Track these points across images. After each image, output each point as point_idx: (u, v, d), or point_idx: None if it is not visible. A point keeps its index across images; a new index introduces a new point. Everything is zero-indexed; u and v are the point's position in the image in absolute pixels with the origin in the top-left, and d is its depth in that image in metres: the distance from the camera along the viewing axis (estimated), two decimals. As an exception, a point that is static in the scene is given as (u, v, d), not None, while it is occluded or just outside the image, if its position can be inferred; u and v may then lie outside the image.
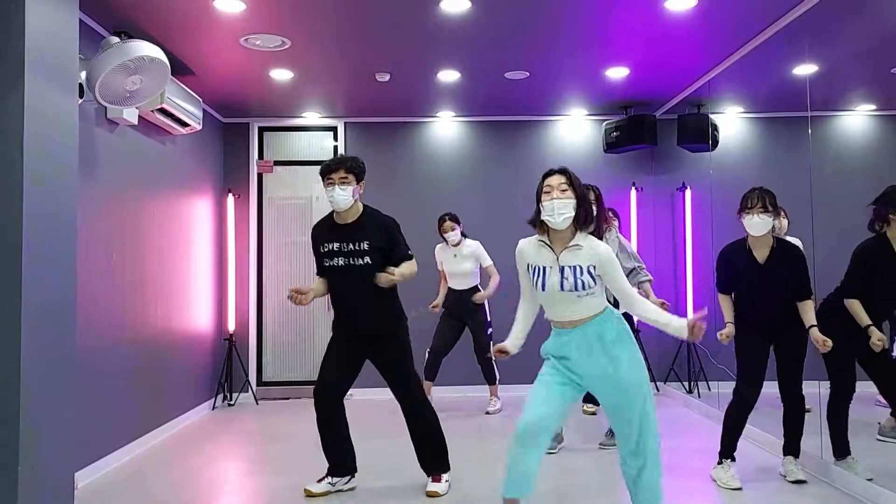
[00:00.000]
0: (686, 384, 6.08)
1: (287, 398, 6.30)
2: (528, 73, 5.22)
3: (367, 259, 3.46)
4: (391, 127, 6.56)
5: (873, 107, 4.82)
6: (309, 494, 3.53)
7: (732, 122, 5.94)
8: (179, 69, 4.85)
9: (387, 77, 5.21)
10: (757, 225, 3.54)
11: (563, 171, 2.73)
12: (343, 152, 6.52)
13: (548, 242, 2.73)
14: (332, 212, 3.59)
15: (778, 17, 4.14)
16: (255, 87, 5.48)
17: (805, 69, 4.33)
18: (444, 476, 3.60)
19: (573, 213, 2.66)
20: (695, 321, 2.69)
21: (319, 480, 3.60)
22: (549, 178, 2.71)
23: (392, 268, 3.43)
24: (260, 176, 6.53)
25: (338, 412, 3.58)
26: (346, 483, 3.64)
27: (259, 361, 6.39)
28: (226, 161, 6.42)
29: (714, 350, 5.71)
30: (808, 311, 3.56)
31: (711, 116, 5.62)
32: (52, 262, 2.87)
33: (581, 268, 2.65)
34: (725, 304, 3.76)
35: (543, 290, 2.70)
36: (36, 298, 2.74)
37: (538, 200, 2.72)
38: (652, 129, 6.12)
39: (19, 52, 2.69)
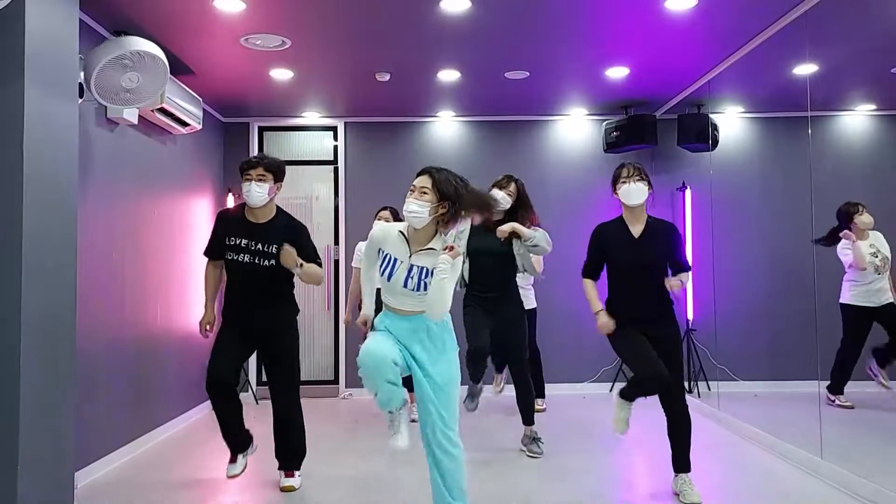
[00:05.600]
0: (686, 384, 6.07)
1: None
2: (528, 73, 5.22)
3: (274, 262, 3.53)
4: (391, 127, 6.56)
5: (873, 107, 4.82)
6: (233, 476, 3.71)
7: (732, 122, 5.94)
8: (179, 69, 4.85)
9: (387, 77, 5.21)
10: (634, 192, 3.39)
11: (429, 173, 2.75)
12: (343, 152, 6.53)
13: (406, 236, 2.78)
14: (244, 205, 3.64)
15: (778, 17, 4.14)
16: (255, 86, 5.48)
17: (805, 69, 4.32)
18: (297, 473, 3.75)
19: (426, 217, 2.69)
20: None
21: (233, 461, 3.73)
22: (417, 178, 2.76)
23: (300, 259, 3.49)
24: (260, 176, 6.53)
25: (234, 400, 3.69)
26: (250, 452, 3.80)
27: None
28: (226, 161, 6.42)
29: (714, 350, 5.72)
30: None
31: (711, 116, 5.62)
32: (52, 262, 2.87)
33: (428, 270, 2.72)
34: (592, 291, 3.56)
35: (389, 280, 2.77)
36: (36, 298, 2.75)
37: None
38: (652, 129, 6.12)
39: (19, 52, 2.69)
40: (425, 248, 2.75)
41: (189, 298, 5.48)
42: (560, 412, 5.44)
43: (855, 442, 3.90)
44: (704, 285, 5.90)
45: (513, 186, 4.15)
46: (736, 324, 5.62)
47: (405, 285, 2.73)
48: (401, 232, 2.79)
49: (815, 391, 3.98)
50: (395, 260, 2.75)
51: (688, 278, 3.47)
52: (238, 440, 3.72)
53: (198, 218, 5.72)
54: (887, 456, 3.92)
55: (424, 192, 2.70)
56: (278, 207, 3.69)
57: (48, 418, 2.82)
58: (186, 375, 5.40)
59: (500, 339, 4.14)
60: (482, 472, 3.88)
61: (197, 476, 3.98)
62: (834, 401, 4.50)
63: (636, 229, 3.44)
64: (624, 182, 3.41)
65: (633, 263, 3.40)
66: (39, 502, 2.74)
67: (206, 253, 3.79)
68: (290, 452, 3.75)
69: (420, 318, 2.78)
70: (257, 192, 3.51)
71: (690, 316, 6.09)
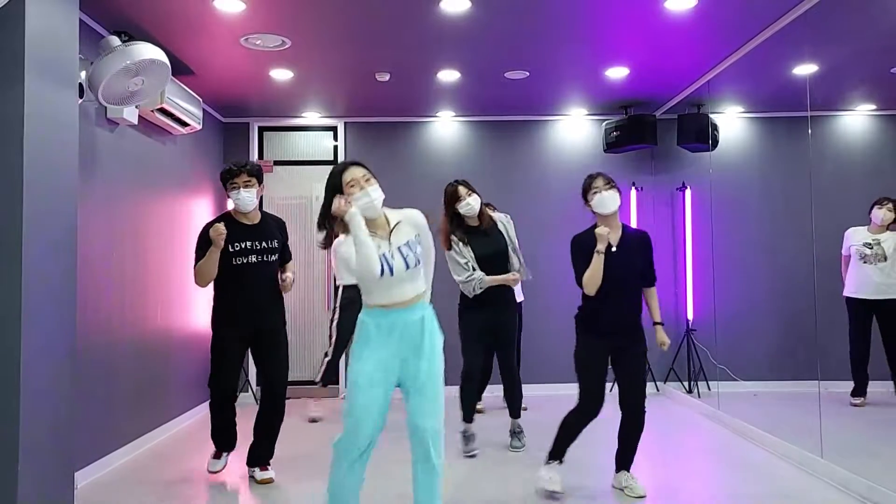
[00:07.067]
0: (686, 384, 6.08)
1: (287, 398, 6.29)
2: (528, 73, 5.22)
3: (276, 256, 3.85)
4: (391, 127, 6.56)
5: (873, 107, 4.82)
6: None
7: (732, 122, 5.94)
8: (179, 69, 4.85)
9: (387, 77, 5.21)
10: (608, 200, 3.33)
11: (357, 164, 2.80)
12: (343, 152, 6.53)
13: (372, 232, 2.76)
14: (227, 213, 3.83)
15: (778, 17, 4.14)
16: (255, 87, 5.48)
17: (805, 69, 4.33)
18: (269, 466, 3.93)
19: (383, 195, 2.78)
20: None
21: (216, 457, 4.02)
22: (349, 172, 2.75)
23: (289, 273, 3.92)
24: (260, 176, 6.53)
25: (234, 407, 3.99)
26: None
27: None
28: (226, 161, 6.40)
29: (714, 350, 5.72)
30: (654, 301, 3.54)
31: (711, 116, 5.62)
32: (53, 263, 2.87)
33: (410, 240, 2.79)
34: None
35: (392, 274, 2.71)
36: (36, 298, 2.74)
37: (335, 196, 2.74)
38: (652, 129, 6.12)
39: (19, 52, 2.69)
40: (392, 227, 2.79)
41: (189, 298, 5.48)
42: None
43: (855, 441, 3.90)
44: (704, 285, 5.90)
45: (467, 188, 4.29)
46: (736, 324, 5.62)
47: (407, 267, 2.74)
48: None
49: (815, 391, 3.97)
50: (384, 255, 2.73)
51: (657, 305, 3.50)
52: (228, 440, 4.01)
53: (198, 218, 5.72)
54: (888, 455, 3.92)
55: (369, 179, 2.76)
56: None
57: (48, 418, 2.81)
58: (186, 375, 5.41)
59: (494, 332, 4.33)
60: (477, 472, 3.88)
61: (197, 476, 3.99)
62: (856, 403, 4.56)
63: (612, 239, 3.36)
64: (596, 192, 3.36)
65: (608, 276, 3.32)
66: (39, 502, 2.74)
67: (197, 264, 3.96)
68: (271, 445, 3.92)
69: (419, 305, 2.78)
70: (248, 196, 3.72)
71: (690, 316, 6.09)
